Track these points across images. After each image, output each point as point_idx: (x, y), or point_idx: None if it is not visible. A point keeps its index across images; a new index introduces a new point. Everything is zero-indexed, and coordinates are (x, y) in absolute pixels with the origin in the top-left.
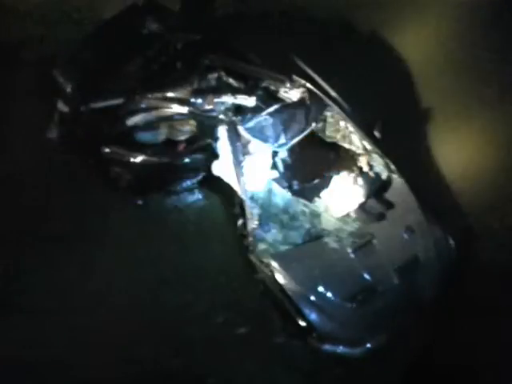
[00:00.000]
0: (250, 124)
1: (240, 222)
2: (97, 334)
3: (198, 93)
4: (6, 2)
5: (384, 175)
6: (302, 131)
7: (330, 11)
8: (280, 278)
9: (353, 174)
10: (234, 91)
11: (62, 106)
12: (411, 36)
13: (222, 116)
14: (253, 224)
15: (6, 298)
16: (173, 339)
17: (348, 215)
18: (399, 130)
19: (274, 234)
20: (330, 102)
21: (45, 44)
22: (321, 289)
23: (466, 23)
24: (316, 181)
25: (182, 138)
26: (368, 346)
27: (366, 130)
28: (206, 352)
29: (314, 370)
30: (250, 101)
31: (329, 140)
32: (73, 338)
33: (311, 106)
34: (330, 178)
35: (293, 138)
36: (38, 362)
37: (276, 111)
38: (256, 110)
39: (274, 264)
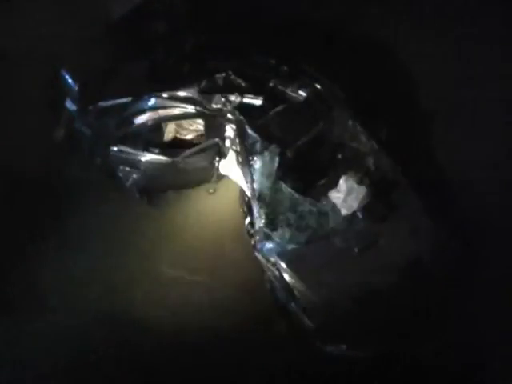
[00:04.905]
0: (258, 123)
1: (247, 220)
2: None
3: (205, 92)
4: (16, 2)
5: (390, 176)
6: (310, 131)
7: (337, 13)
8: (286, 276)
9: (359, 174)
10: (242, 91)
11: (70, 105)
12: (414, 39)
13: (229, 115)
14: (260, 223)
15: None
16: (175, 337)
17: (354, 215)
18: (405, 131)
19: (280, 233)
20: (337, 102)
21: (53, 43)
22: (326, 289)
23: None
24: (323, 180)
25: (190, 137)
26: (372, 347)
27: (373, 131)
28: (209, 350)
29: (317, 371)
30: (257, 100)
31: (336, 140)
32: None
33: (318, 106)
34: (337, 177)
35: (300, 137)
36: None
37: (283, 111)
38: (263, 110)
39: (281, 263)
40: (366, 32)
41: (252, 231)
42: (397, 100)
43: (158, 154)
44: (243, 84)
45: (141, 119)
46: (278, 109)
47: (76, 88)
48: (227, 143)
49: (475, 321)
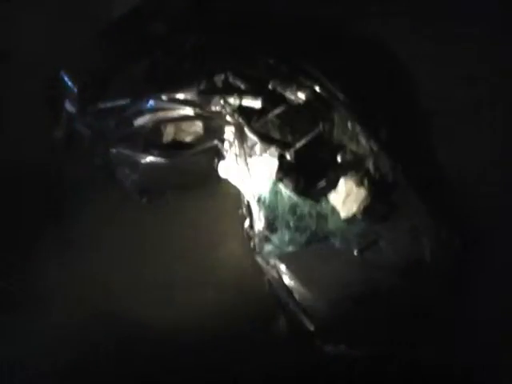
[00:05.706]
0: (257, 125)
1: (246, 223)
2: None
3: (204, 94)
4: (16, 2)
5: (390, 176)
6: (309, 133)
7: (337, 13)
8: (286, 279)
9: (359, 175)
10: (241, 92)
11: (70, 107)
12: (414, 39)
13: (228, 117)
14: (259, 225)
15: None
16: (175, 337)
17: (354, 216)
18: (405, 131)
19: (280, 235)
20: (337, 104)
21: (53, 43)
22: (326, 290)
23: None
24: (322, 182)
25: (189, 139)
26: (372, 347)
27: (373, 132)
28: (209, 350)
29: (316, 371)
30: (256, 102)
31: (336, 141)
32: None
33: (318, 108)
34: (337, 179)
35: (299, 139)
36: None
37: (283, 113)
38: (263, 112)
39: (281, 265)
40: (366, 32)
41: (251, 233)
42: (397, 100)
43: (157, 155)
44: (242, 85)
45: (140, 121)
46: (277, 111)
47: (75, 89)
48: (226, 145)
49: (475, 321)
